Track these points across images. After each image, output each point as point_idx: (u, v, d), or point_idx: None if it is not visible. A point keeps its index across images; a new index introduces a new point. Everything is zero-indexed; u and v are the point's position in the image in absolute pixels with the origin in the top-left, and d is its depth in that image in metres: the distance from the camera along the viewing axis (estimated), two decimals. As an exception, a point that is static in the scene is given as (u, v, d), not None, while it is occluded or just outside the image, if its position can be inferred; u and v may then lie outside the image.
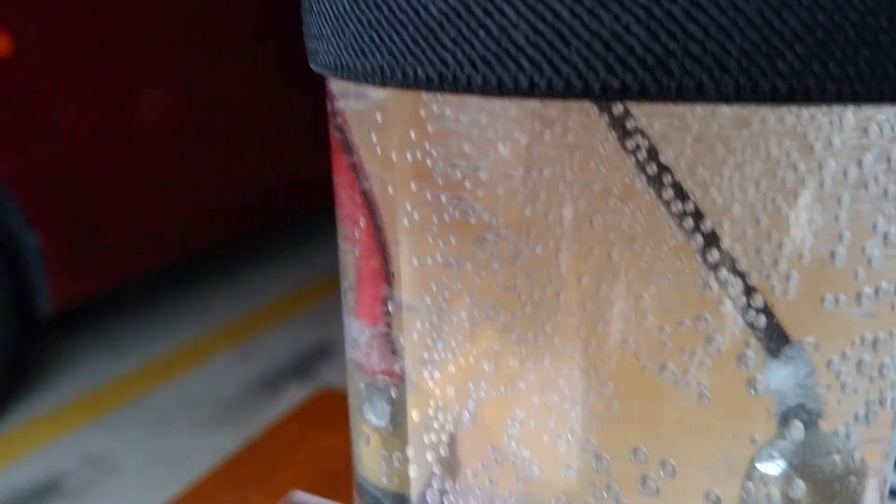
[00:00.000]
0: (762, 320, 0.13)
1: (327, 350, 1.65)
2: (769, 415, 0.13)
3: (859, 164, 0.12)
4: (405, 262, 0.15)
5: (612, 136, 0.13)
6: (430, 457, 0.16)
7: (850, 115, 0.12)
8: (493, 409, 0.14)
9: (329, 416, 0.42)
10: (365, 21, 0.13)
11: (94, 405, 1.49)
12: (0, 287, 1.41)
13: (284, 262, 2.04)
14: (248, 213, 1.91)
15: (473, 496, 0.15)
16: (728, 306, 0.13)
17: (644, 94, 0.11)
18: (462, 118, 0.14)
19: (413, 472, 0.16)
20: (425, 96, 0.14)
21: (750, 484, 0.13)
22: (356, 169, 0.17)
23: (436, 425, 0.15)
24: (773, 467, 0.13)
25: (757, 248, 0.13)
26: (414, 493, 0.16)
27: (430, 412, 0.15)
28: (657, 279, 0.13)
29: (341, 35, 0.13)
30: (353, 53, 0.13)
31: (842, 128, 0.12)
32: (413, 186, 0.15)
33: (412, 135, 0.15)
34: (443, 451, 0.15)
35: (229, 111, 1.81)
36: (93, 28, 1.50)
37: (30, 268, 1.46)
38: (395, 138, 0.15)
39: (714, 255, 0.13)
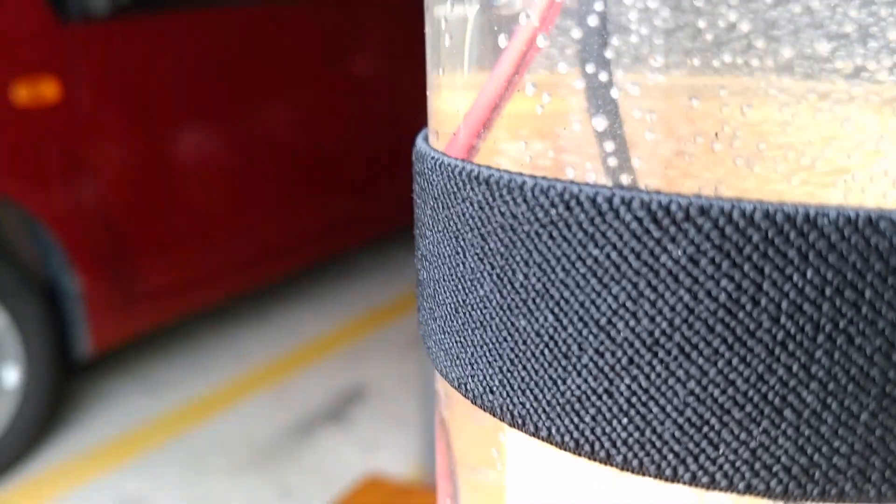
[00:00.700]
0: None
1: (362, 393, 1.64)
2: None
3: None
4: None
5: None
6: None
7: None
8: None
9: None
10: (496, 363, 0.14)
11: (129, 446, 1.49)
12: (41, 329, 1.43)
13: (319, 303, 2.05)
14: (288, 256, 1.93)
15: None
16: None
17: (787, 496, 0.11)
18: None
19: None
20: None
21: None
22: None
23: None
24: None
25: None
26: None
27: None
28: None
29: (468, 360, 0.14)
30: (480, 384, 0.14)
31: None
32: None
33: None
34: None
35: (271, 155, 1.83)
36: (138, 73, 1.54)
37: (71, 310, 1.48)
38: None
39: None
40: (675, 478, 0.12)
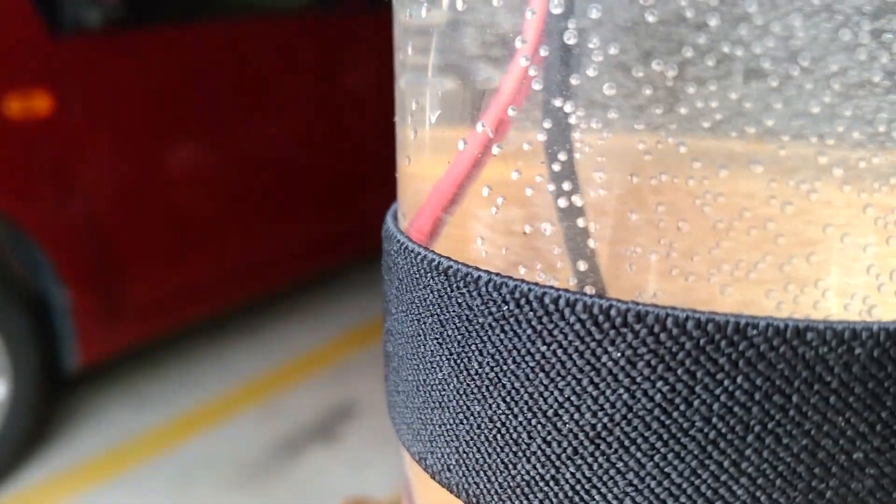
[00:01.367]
0: None
1: (351, 411, 1.64)
2: None
3: None
4: None
5: None
6: None
7: None
8: None
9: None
10: (454, 443, 0.15)
11: (116, 461, 1.48)
12: (29, 343, 1.42)
13: (308, 319, 2.05)
14: (276, 272, 1.93)
15: None
16: None
17: None
18: None
19: None
20: None
21: None
22: None
23: None
24: None
25: None
26: None
27: None
28: None
29: (428, 437, 0.15)
30: (439, 461, 0.15)
31: None
32: None
33: None
34: None
35: (262, 169, 1.84)
36: (130, 87, 1.54)
37: (59, 324, 1.48)
38: None
39: None
40: None
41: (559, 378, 0.12)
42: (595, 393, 0.12)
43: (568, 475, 0.13)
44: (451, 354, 0.14)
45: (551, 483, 0.13)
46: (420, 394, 0.15)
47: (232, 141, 1.76)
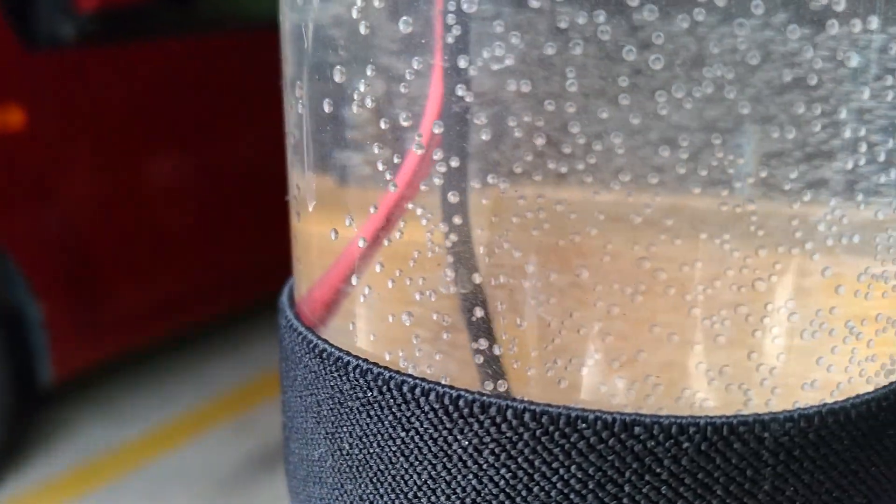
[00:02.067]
0: None
1: (326, 422, 1.64)
2: None
3: None
4: None
5: None
6: None
7: None
8: None
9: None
10: None
11: (90, 476, 1.47)
12: (2, 356, 1.41)
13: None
14: (252, 285, 1.92)
15: None
16: None
17: None
18: None
19: None
20: None
21: None
22: None
23: None
24: None
25: None
26: None
27: None
28: None
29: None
30: None
31: None
32: None
33: None
34: None
35: (235, 183, 1.84)
36: (103, 101, 1.54)
37: (33, 338, 1.47)
38: None
39: None
40: None
41: (417, 463, 0.13)
42: (448, 478, 0.13)
43: None
44: (326, 434, 0.15)
45: None
46: (303, 466, 0.16)
47: (208, 154, 1.76)
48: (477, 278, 0.13)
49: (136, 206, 1.62)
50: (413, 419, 0.13)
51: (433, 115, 0.13)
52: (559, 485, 0.12)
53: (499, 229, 0.13)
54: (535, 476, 0.12)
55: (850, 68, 0.12)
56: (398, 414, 0.13)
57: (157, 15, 1.73)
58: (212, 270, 1.78)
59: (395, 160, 0.13)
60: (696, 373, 0.13)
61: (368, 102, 0.13)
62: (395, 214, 0.14)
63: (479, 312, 0.13)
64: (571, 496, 0.12)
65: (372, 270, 0.14)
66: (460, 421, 0.13)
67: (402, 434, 0.13)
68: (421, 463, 0.13)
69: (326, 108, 0.14)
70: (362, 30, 0.13)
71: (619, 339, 0.13)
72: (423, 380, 0.13)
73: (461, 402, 0.13)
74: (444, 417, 0.13)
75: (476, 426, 0.13)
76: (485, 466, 0.13)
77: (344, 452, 0.14)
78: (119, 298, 1.59)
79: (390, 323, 0.14)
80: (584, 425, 0.12)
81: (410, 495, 0.13)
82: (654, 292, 0.13)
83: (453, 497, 0.13)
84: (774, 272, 0.13)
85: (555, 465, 0.12)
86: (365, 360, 0.14)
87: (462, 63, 0.12)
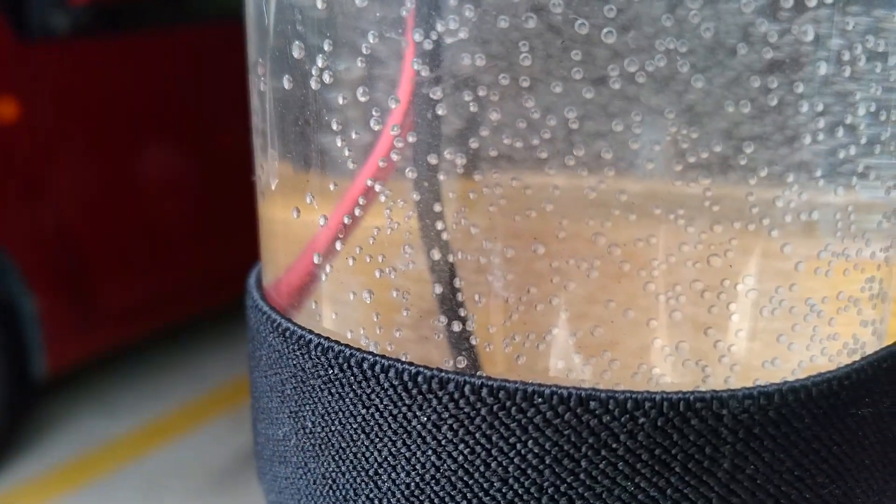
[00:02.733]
0: None
1: (321, 416, 1.64)
2: None
3: None
4: None
5: None
6: None
7: None
8: None
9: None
10: (296, 496, 0.15)
11: (85, 469, 1.47)
12: (-3, 350, 1.41)
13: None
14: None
15: None
16: None
17: None
18: None
19: None
20: None
21: None
22: None
23: None
24: None
25: None
26: None
27: None
28: None
29: (277, 488, 0.16)
30: None
31: None
32: None
33: None
34: None
35: (230, 176, 1.83)
36: (98, 93, 1.53)
37: (28, 331, 1.47)
38: None
39: None
40: None
41: (377, 439, 0.13)
42: (408, 454, 0.13)
43: None
44: (290, 412, 0.15)
45: None
46: (269, 446, 0.16)
47: (203, 147, 1.75)
48: (435, 255, 0.13)
49: (132, 199, 1.62)
50: (373, 396, 0.13)
51: (406, 93, 0.13)
52: (516, 460, 0.12)
53: (456, 206, 0.13)
54: (493, 451, 0.12)
55: (806, 44, 0.12)
56: (358, 391, 0.13)
57: (152, 6, 1.73)
58: (207, 264, 1.78)
59: (355, 137, 0.13)
60: (653, 349, 0.13)
61: (327, 79, 0.13)
62: (368, 196, 0.14)
63: (437, 289, 0.13)
64: (528, 471, 0.12)
65: (332, 249, 0.14)
66: (419, 397, 0.13)
67: (363, 411, 0.13)
68: (381, 439, 0.13)
69: (287, 86, 0.14)
70: (320, 5, 0.13)
71: (575, 315, 0.13)
72: (382, 357, 0.13)
73: (420, 379, 0.13)
74: (404, 394, 0.13)
75: (435, 402, 0.13)
76: (443, 442, 0.13)
77: (307, 431, 0.14)
78: (114, 292, 1.59)
79: (351, 301, 0.14)
80: (540, 400, 0.12)
81: (371, 472, 0.13)
82: (609, 268, 0.13)
83: (413, 473, 0.13)
84: (731, 248, 0.13)
85: (512, 440, 0.12)
86: (326, 339, 0.14)
87: (417, 37, 0.12)
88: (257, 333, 0.16)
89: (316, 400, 0.14)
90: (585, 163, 0.12)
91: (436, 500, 0.13)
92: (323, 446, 0.14)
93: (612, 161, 0.12)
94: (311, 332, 0.14)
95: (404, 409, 0.13)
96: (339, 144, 0.14)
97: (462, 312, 0.13)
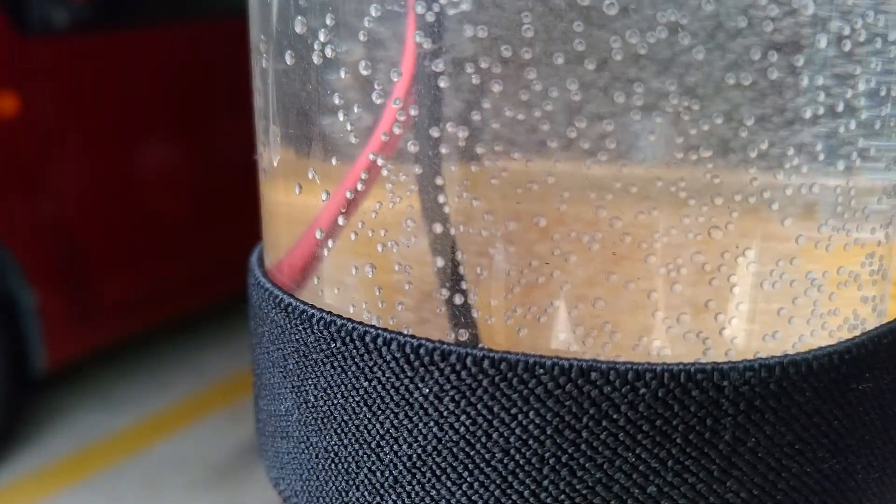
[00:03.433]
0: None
1: (321, 410, 1.64)
2: None
3: None
4: None
5: None
6: None
7: None
8: None
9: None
10: (298, 470, 0.15)
11: (85, 463, 1.48)
12: (-4, 344, 1.41)
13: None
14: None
15: None
16: None
17: None
18: None
19: None
20: None
21: None
22: None
23: None
24: None
25: None
26: None
27: None
28: None
29: (279, 463, 0.16)
30: (289, 487, 0.16)
31: None
32: None
33: None
34: None
35: (230, 170, 1.83)
36: (97, 88, 1.53)
37: (27, 326, 1.47)
38: None
39: None
40: None
41: (380, 412, 0.13)
42: (410, 426, 0.13)
43: (391, 502, 0.13)
44: (292, 387, 0.15)
45: None
46: (271, 422, 0.16)
47: (202, 142, 1.75)
48: (437, 228, 0.13)
49: (131, 193, 1.62)
50: (375, 369, 0.13)
51: (408, 66, 0.13)
52: (518, 430, 0.12)
53: (458, 179, 0.13)
54: (495, 422, 0.12)
55: (805, 19, 0.12)
56: (361, 364, 0.13)
57: (152, 1, 1.72)
58: (206, 258, 1.78)
59: (357, 112, 0.13)
60: (654, 322, 0.13)
61: (329, 54, 0.13)
62: (370, 171, 0.14)
63: (440, 262, 0.13)
64: (530, 442, 0.12)
65: (335, 224, 0.14)
66: (421, 369, 0.13)
67: (365, 384, 0.13)
68: (384, 412, 0.13)
69: (289, 62, 0.14)
70: None
71: (576, 288, 0.13)
72: (384, 329, 0.13)
73: (422, 351, 0.13)
74: (406, 366, 0.13)
75: (437, 374, 0.13)
76: (445, 414, 0.13)
77: (309, 405, 0.14)
78: (113, 286, 1.59)
79: (353, 276, 0.14)
80: (541, 371, 0.12)
81: (374, 444, 0.13)
82: (610, 241, 0.13)
83: (415, 445, 0.13)
84: (731, 221, 0.13)
85: (513, 410, 0.12)
86: (329, 313, 0.14)
87: (419, 9, 0.12)
88: (259, 310, 0.16)
89: (318, 374, 0.14)
90: (587, 136, 0.12)
91: (438, 472, 0.13)
92: (325, 420, 0.14)
93: (614, 135, 0.12)
94: (313, 306, 0.14)
95: (406, 381, 0.13)
96: (340, 119, 0.14)
97: (464, 286, 0.13)
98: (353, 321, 0.14)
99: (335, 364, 0.14)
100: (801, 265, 0.14)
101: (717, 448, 0.13)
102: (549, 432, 0.12)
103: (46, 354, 1.49)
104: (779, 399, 0.13)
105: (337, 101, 0.14)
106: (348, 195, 0.14)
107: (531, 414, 0.12)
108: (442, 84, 0.12)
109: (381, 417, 0.13)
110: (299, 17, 0.14)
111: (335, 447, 0.14)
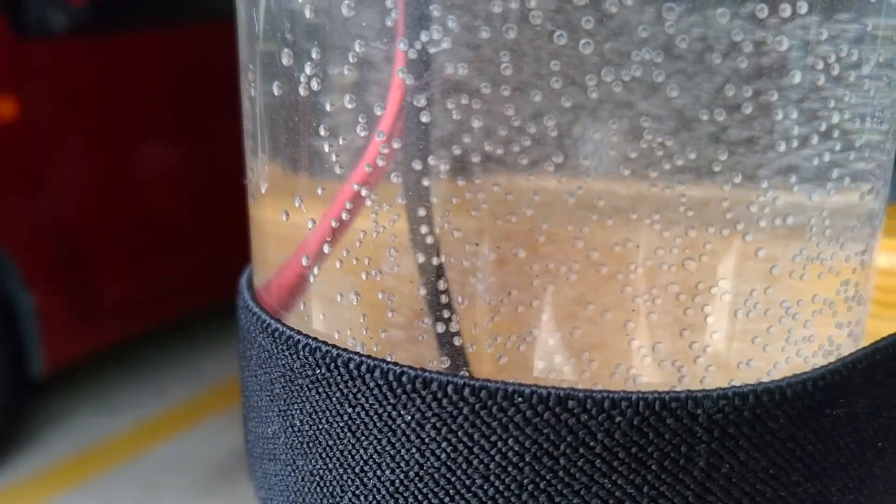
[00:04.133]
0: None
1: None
2: None
3: None
4: None
5: None
6: None
7: None
8: None
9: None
10: (285, 492, 0.16)
11: (84, 466, 1.48)
12: (-5, 347, 1.41)
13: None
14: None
15: None
16: None
17: None
18: None
19: None
20: None
21: None
22: None
23: None
24: None
25: None
26: None
27: None
28: None
29: (267, 484, 0.16)
30: None
31: None
32: None
33: None
34: None
35: (228, 172, 1.83)
36: (96, 91, 1.54)
37: (26, 328, 1.47)
38: None
39: None
40: None
41: (363, 437, 0.14)
42: (392, 452, 0.13)
43: None
44: (279, 411, 0.15)
45: None
46: (259, 444, 0.16)
47: (201, 144, 1.76)
48: (420, 257, 0.14)
49: (130, 196, 1.62)
50: (359, 395, 0.13)
51: (391, 101, 0.13)
52: (497, 457, 0.13)
53: (439, 210, 0.13)
54: (475, 449, 0.13)
55: (779, 52, 0.12)
56: (345, 390, 0.14)
57: (150, 5, 1.73)
58: (205, 260, 1.78)
59: (342, 143, 0.14)
60: (631, 349, 0.13)
61: (316, 86, 0.14)
62: (355, 200, 0.14)
63: (422, 291, 0.14)
64: (509, 468, 0.13)
65: (320, 251, 0.14)
66: (403, 396, 0.13)
67: (349, 410, 0.14)
68: (367, 437, 0.13)
69: (276, 92, 0.14)
70: (308, 14, 0.13)
71: (556, 317, 0.13)
72: (368, 357, 0.14)
73: (404, 378, 0.13)
74: (388, 393, 0.13)
75: (418, 401, 0.13)
76: (427, 440, 0.13)
77: (295, 429, 0.15)
78: (111, 288, 1.59)
79: (339, 303, 0.15)
80: (520, 399, 0.12)
81: (357, 469, 0.14)
82: (588, 271, 0.13)
83: (398, 470, 0.13)
84: (705, 252, 0.13)
85: (493, 438, 0.13)
86: (314, 339, 0.14)
87: (403, 47, 0.12)
88: (248, 334, 0.16)
89: (304, 399, 0.14)
90: (564, 168, 0.13)
91: (420, 497, 0.13)
92: (310, 444, 0.14)
93: (591, 167, 0.13)
94: (299, 332, 0.14)
95: (389, 408, 0.13)
96: (326, 150, 0.14)
97: (446, 314, 0.14)
98: (337, 347, 0.14)
99: (320, 390, 0.14)
100: (775, 294, 0.14)
101: (691, 474, 0.13)
102: (527, 459, 0.13)
103: (45, 356, 1.49)
104: (753, 426, 0.13)
105: (322, 133, 0.14)
106: (333, 224, 0.14)
107: (510, 441, 0.13)
108: (424, 119, 0.13)
109: (365, 443, 0.14)
110: (286, 49, 0.14)
111: (320, 471, 0.14)
